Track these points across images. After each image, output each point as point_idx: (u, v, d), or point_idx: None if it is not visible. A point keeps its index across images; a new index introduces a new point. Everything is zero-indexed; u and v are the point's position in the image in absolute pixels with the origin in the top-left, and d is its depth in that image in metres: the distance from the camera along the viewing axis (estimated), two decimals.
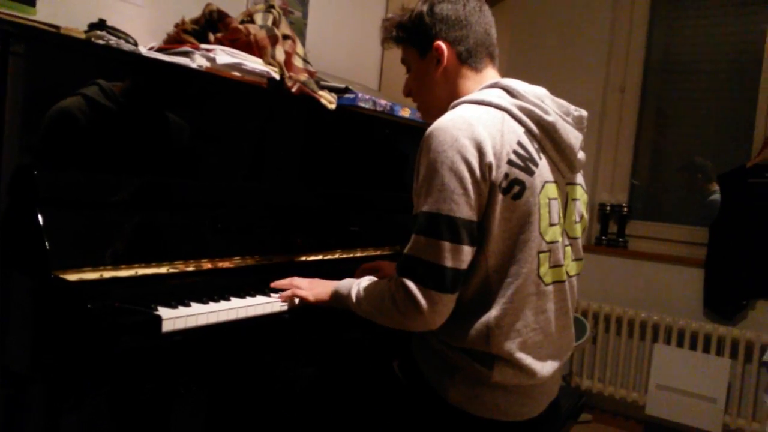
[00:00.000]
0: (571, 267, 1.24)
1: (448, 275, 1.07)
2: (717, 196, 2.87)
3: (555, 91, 1.24)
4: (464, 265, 1.08)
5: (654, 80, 3.13)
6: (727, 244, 2.78)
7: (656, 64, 3.12)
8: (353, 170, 1.93)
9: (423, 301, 1.06)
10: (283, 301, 1.31)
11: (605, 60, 3.14)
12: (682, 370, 2.79)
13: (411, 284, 1.07)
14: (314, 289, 1.32)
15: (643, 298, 2.99)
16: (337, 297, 1.27)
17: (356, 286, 1.23)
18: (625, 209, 3.08)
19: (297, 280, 1.35)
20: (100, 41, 1.28)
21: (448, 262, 1.06)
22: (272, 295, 1.33)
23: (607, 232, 3.13)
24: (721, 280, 2.79)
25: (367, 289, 1.20)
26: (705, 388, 2.73)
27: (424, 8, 1.24)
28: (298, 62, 1.70)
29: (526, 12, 3.31)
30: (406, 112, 1.99)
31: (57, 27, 1.24)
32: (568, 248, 1.23)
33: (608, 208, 3.11)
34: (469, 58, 1.24)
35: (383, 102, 1.89)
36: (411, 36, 1.27)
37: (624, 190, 3.16)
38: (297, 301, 1.32)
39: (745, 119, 2.85)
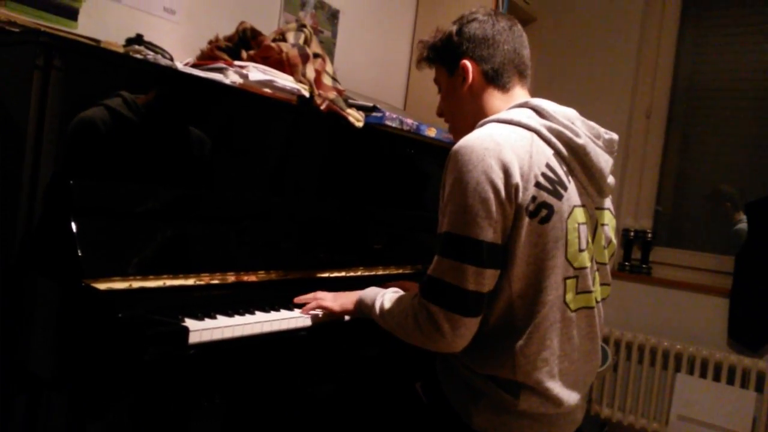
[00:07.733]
0: (598, 292, 1.23)
1: (471, 298, 1.05)
2: (743, 225, 2.82)
3: (581, 114, 1.22)
4: (486, 288, 1.07)
5: (680, 106, 3.11)
6: (754, 273, 2.72)
7: (683, 89, 3.10)
8: (378, 188, 1.94)
9: (446, 325, 1.05)
10: (307, 313, 1.31)
11: (631, 84, 3.12)
12: (705, 402, 2.73)
13: (434, 307, 1.06)
14: (339, 299, 1.34)
15: (666, 326, 2.93)
16: (361, 306, 1.28)
17: (380, 297, 1.23)
18: (650, 235, 3.04)
19: (321, 293, 1.37)
20: (138, 55, 1.31)
21: (471, 286, 1.04)
22: (296, 309, 1.33)
23: (631, 258, 3.09)
24: (747, 310, 2.73)
25: (392, 304, 1.19)
26: (729, 421, 2.66)
27: (454, 28, 1.27)
28: (327, 80, 1.72)
29: (553, 35, 3.32)
30: (432, 132, 1.99)
31: (97, 41, 1.27)
32: (596, 274, 1.21)
33: (632, 233, 3.07)
34: (495, 77, 1.24)
35: (410, 121, 1.90)
36: (440, 55, 1.29)
37: (648, 216, 3.12)
38: (321, 313, 1.32)
39: None
